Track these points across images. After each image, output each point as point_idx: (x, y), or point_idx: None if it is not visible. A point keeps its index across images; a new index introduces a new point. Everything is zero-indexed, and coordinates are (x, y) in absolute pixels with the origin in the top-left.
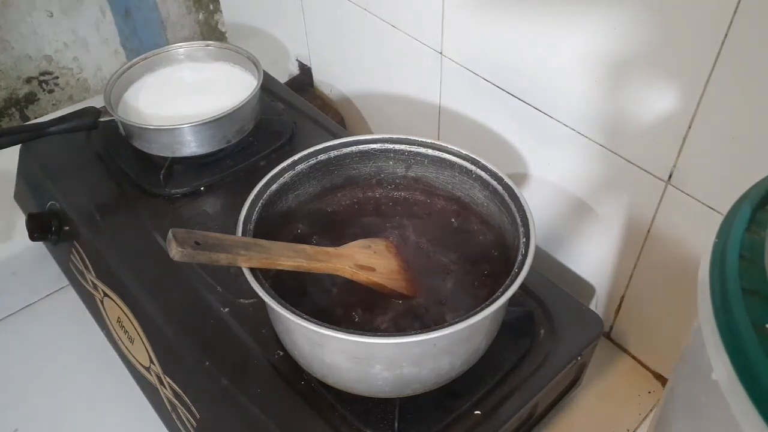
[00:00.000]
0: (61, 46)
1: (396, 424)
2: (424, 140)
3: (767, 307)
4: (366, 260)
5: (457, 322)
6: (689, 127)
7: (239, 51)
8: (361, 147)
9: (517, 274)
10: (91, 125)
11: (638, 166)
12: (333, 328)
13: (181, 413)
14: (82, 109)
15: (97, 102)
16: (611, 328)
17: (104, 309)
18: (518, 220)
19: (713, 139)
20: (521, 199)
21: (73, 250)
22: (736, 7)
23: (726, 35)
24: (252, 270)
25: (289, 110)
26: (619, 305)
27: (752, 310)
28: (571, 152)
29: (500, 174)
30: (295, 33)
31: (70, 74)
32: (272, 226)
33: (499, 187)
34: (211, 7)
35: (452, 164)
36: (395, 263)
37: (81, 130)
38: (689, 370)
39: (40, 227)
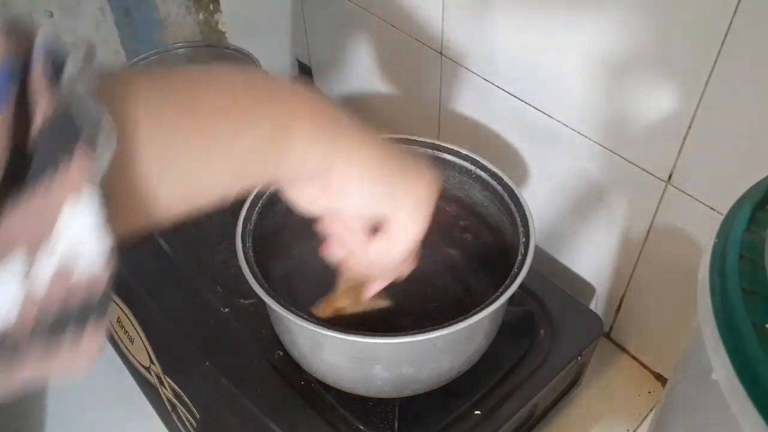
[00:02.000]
0: None
1: (396, 424)
2: (424, 140)
3: (767, 307)
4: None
5: (456, 322)
6: (689, 127)
7: (239, 51)
8: None
9: (517, 274)
10: None
11: (638, 166)
12: (333, 328)
13: (181, 413)
14: None
15: None
16: (611, 328)
17: None
18: (518, 220)
19: (713, 139)
20: (521, 199)
21: None
22: (736, 7)
23: (726, 35)
24: (252, 270)
25: None
26: (619, 305)
27: (752, 310)
28: (572, 152)
29: (500, 174)
30: (295, 33)
31: None
32: (272, 226)
33: (499, 187)
34: (211, 7)
35: (452, 164)
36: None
37: None
38: (689, 370)
39: None
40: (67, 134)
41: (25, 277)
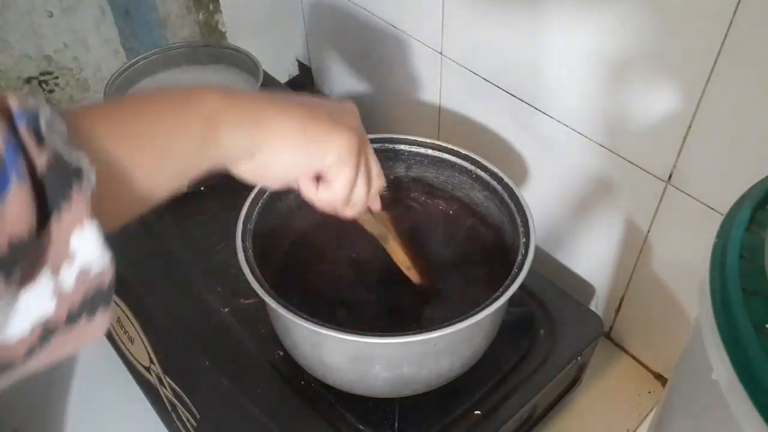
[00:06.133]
0: (61, 46)
1: (396, 424)
2: (424, 140)
3: (767, 307)
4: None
5: (457, 322)
6: (689, 127)
7: (239, 51)
8: None
9: (517, 274)
10: None
11: (638, 166)
12: (333, 328)
13: (181, 413)
14: None
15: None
16: (611, 328)
17: None
18: (518, 220)
19: (713, 138)
20: (521, 199)
21: None
22: (736, 7)
23: (726, 35)
24: (252, 270)
25: None
26: (619, 305)
27: (752, 310)
28: (571, 152)
29: (500, 174)
30: (295, 33)
31: (70, 74)
32: (272, 225)
33: (499, 187)
34: (211, 7)
35: (452, 164)
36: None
37: None
38: (689, 370)
39: None
40: (63, 181)
41: (54, 288)
